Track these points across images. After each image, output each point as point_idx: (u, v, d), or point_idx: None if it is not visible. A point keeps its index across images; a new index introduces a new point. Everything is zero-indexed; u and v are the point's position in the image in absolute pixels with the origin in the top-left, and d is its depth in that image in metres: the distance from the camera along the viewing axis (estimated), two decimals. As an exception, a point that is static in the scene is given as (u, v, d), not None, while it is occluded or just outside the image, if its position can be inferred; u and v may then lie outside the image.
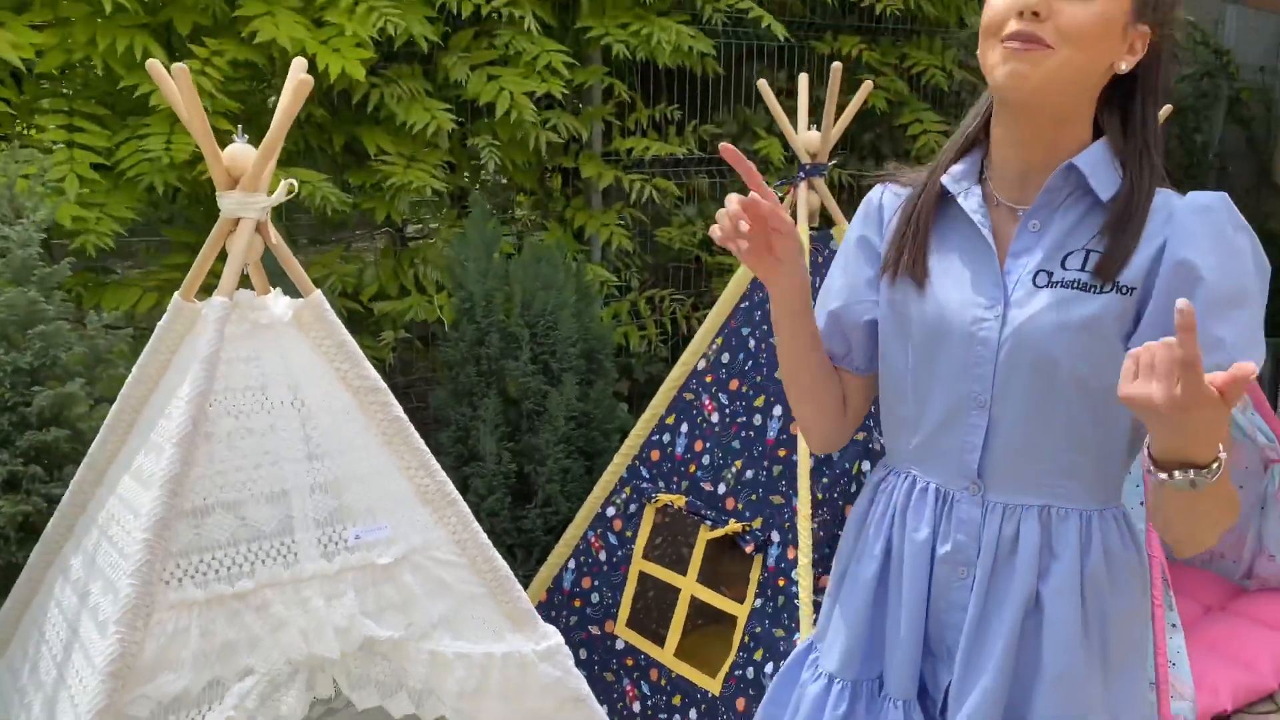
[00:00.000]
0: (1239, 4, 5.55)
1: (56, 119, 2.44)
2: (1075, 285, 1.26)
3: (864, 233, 1.44)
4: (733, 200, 1.25)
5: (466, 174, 3.27)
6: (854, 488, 2.31)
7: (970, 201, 1.32)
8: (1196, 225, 1.23)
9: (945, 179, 1.34)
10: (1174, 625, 2.71)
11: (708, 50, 3.31)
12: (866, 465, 2.33)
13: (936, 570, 1.35)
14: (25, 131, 2.48)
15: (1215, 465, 1.06)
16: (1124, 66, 1.23)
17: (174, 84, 1.42)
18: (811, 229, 2.41)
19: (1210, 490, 1.08)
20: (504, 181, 3.54)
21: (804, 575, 2.14)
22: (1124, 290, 1.24)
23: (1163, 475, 1.08)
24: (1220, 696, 2.82)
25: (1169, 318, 1.04)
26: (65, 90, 2.53)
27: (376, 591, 1.55)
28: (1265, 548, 3.33)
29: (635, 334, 3.59)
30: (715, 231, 1.28)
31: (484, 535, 1.67)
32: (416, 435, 1.63)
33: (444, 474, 1.65)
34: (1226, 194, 1.25)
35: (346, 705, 2.45)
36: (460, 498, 1.66)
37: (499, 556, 1.67)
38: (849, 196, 4.29)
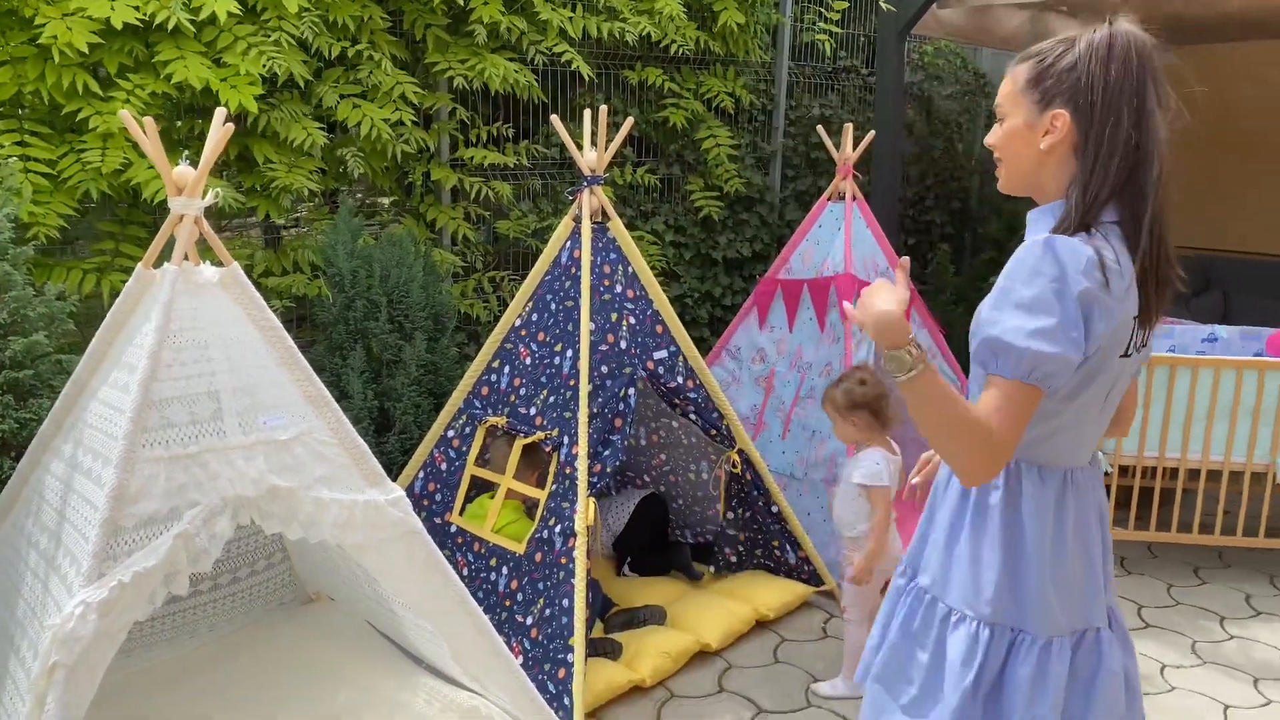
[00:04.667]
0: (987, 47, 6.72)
1: (11, 137, 3.16)
2: None
3: None
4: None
5: (334, 180, 4.04)
6: (621, 406, 3.23)
7: None
8: None
9: None
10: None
11: (530, 82, 4.19)
12: (631, 392, 3.26)
13: None
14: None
15: (893, 366, 1.52)
16: (1043, 146, 1.63)
17: (139, 129, 2.22)
18: (594, 223, 3.32)
19: (911, 397, 1.53)
20: (370, 184, 4.34)
21: (581, 463, 3.06)
22: None
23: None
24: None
25: None
26: (18, 113, 3.23)
27: (278, 458, 2.38)
28: (953, 462, 4.40)
29: (480, 307, 4.45)
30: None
31: (350, 426, 2.51)
32: (303, 359, 2.46)
33: (322, 385, 2.49)
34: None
35: (231, 583, 3.26)
36: (334, 401, 2.50)
37: (360, 439, 2.52)
38: (656, 194, 5.24)
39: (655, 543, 3.98)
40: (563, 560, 3.01)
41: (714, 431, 3.54)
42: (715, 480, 3.70)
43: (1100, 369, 1.62)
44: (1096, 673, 1.71)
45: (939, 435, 1.55)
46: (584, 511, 3.00)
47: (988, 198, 7.27)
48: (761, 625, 3.59)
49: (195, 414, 2.28)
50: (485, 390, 3.43)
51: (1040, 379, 1.53)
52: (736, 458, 3.56)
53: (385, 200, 4.51)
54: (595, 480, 3.08)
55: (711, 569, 3.84)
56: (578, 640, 2.88)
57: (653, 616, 3.44)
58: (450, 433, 3.46)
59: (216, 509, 2.28)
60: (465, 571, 3.28)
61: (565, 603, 2.95)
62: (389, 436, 3.58)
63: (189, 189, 2.27)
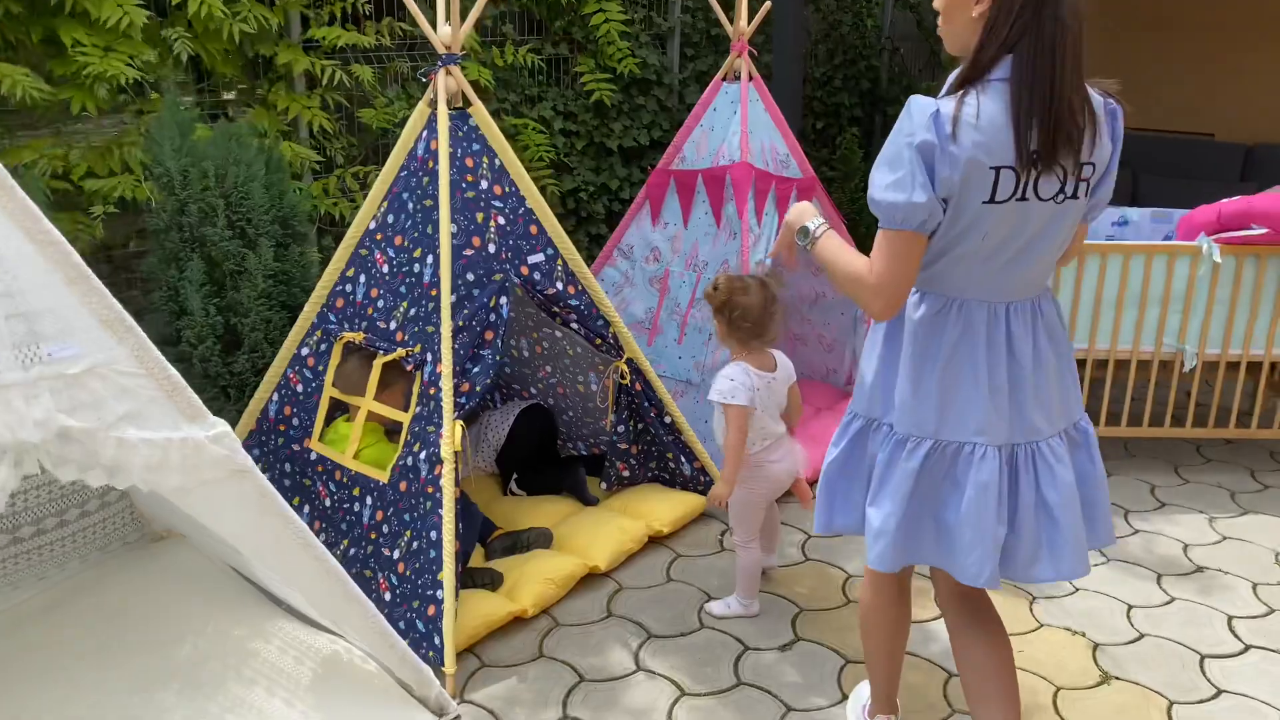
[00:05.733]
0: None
1: None
2: None
3: None
4: None
5: (167, 68, 3.56)
6: (491, 318, 2.92)
7: None
8: None
9: None
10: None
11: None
12: (503, 301, 2.95)
13: None
14: None
15: (802, 236, 1.99)
16: (975, 14, 1.77)
17: None
18: (451, 110, 2.94)
19: (818, 259, 1.94)
20: (209, 70, 3.85)
21: (446, 382, 2.76)
22: None
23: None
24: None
25: None
26: None
27: (69, 395, 2.03)
28: (857, 359, 4.22)
29: (345, 206, 4.05)
30: None
31: (158, 354, 2.16)
32: (95, 278, 2.09)
33: (120, 307, 2.12)
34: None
35: (58, 526, 2.92)
36: (136, 325, 2.14)
37: (171, 368, 2.17)
38: (543, 77, 4.83)
39: (544, 457, 3.73)
40: (429, 489, 2.73)
41: (599, 340, 3.26)
42: (603, 392, 3.44)
43: (962, 211, 1.79)
44: (966, 481, 1.93)
45: (840, 284, 1.92)
46: (450, 436, 2.72)
47: (898, 78, 6.97)
48: (655, 541, 3.40)
49: (-43, 348, 1.92)
50: (340, 302, 3.08)
51: (903, 223, 1.77)
52: (625, 367, 3.30)
53: (226, 84, 4.03)
54: (464, 401, 2.79)
55: (603, 485, 3.61)
56: (447, 575, 2.64)
57: (538, 540, 3.21)
58: (304, 350, 3.12)
59: (-8, 459, 1.94)
60: (328, 502, 3.00)
61: (433, 535, 2.69)
62: (238, 355, 3.23)
63: (-77, 75, 1.86)
